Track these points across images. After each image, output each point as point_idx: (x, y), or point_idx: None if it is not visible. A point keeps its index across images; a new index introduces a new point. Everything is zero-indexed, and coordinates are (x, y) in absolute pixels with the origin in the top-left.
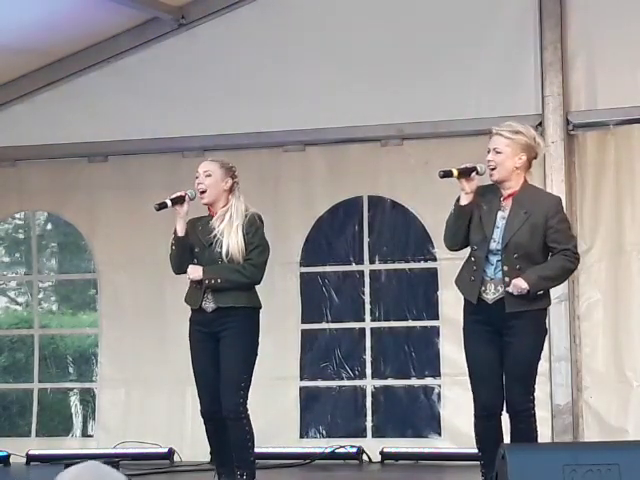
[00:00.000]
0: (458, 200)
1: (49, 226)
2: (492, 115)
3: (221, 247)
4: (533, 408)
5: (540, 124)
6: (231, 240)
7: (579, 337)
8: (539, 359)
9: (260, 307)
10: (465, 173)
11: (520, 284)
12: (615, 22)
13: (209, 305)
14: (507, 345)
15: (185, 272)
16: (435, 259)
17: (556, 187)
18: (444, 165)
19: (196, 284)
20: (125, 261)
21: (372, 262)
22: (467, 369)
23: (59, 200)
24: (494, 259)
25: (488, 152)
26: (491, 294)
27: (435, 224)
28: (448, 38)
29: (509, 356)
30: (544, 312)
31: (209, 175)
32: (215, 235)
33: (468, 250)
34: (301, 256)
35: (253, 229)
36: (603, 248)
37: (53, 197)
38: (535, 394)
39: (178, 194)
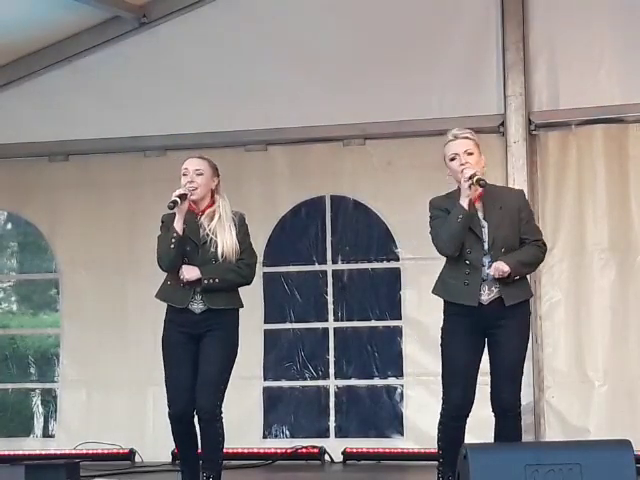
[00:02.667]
0: (457, 208)
1: (9, 226)
2: (454, 115)
3: (215, 247)
4: (520, 407)
5: (502, 124)
6: (226, 240)
7: (541, 337)
8: (525, 357)
9: (242, 306)
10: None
11: (502, 267)
12: (577, 23)
13: (197, 306)
14: (497, 345)
15: (173, 270)
16: (398, 259)
17: (518, 187)
18: (407, 164)
19: (185, 283)
20: (86, 261)
21: (335, 262)
22: (442, 368)
23: (19, 199)
24: (485, 260)
25: (452, 159)
26: (485, 295)
27: (398, 224)
28: (411, 38)
29: (500, 355)
30: (529, 306)
31: (201, 174)
32: (207, 234)
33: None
34: (264, 256)
35: (244, 229)
36: (565, 248)
37: (13, 196)
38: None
39: (182, 191)
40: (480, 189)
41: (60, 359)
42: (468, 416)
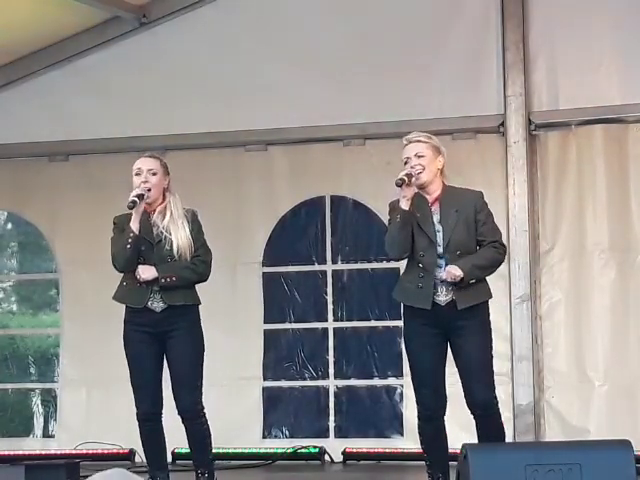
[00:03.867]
0: (397, 210)
1: (9, 226)
2: (454, 115)
3: (170, 245)
4: (497, 404)
5: (502, 124)
6: (180, 237)
7: (541, 337)
8: (492, 355)
9: (200, 303)
10: (409, 179)
11: (454, 271)
12: (577, 23)
13: (158, 305)
14: (459, 347)
15: (129, 270)
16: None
17: (518, 187)
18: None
19: (142, 283)
20: (87, 261)
21: (335, 262)
22: (410, 371)
23: (19, 200)
24: (441, 262)
25: (405, 162)
26: (443, 296)
27: None
28: (411, 38)
29: (464, 357)
30: (488, 306)
31: (154, 173)
32: (161, 232)
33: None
34: (263, 256)
35: (196, 226)
36: (565, 248)
37: (13, 196)
38: (496, 391)
39: (139, 192)
40: (413, 189)
41: (60, 359)
42: (444, 415)
